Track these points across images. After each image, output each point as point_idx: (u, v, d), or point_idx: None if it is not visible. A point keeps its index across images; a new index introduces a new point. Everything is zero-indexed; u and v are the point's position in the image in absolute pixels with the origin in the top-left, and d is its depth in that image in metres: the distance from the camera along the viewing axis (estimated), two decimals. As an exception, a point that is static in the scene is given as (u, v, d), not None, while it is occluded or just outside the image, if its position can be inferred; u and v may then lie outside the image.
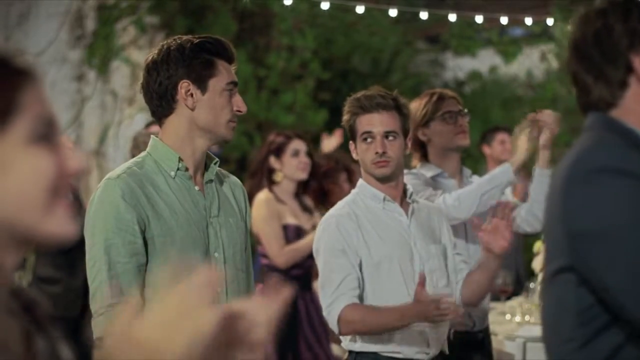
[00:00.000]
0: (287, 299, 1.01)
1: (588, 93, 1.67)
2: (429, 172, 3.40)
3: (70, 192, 0.98)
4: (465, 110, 3.43)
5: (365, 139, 2.87)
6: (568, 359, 1.61)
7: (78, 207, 5.18)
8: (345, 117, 2.94)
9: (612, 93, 1.64)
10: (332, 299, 2.77)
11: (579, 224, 1.56)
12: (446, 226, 3.02)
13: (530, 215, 3.44)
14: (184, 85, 2.32)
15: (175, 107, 2.34)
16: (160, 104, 2.35)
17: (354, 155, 2.95)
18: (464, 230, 3.35)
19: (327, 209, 3.07)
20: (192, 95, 2.32)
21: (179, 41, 2.35)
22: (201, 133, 2.35)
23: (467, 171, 3.52)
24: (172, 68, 2.32)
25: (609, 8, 1.68)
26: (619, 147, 1.59)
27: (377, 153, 2.85)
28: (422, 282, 2.69)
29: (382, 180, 2.90)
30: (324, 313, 2.83)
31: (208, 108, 2.34)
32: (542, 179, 3.35)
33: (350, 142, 2.95)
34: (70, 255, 5.01)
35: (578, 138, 1.67)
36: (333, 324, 2.79)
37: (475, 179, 3.53)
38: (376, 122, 2.86)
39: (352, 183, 5.47)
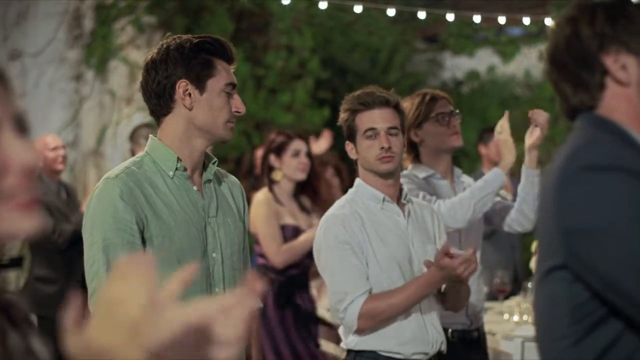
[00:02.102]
0: (263, 294, 0.99)
1: (568, 100, 1.68)
2: (421, 173, 3.39)
3: (28, 188, 0.95)
4: (457, 111, 3.42)
5: (369, 136, 2.83)
6: (561, 357, 1.61)
7: (73, 205, 5.18)
8: (343, 116, 2.89)
9: (591, 96, 1.65)
10: (349, 300, 2.75)
11: (572, 221, 1.56)
12: (438, 224, 3.01)
13: (520, 214, 3.44)
14: (182, 85, 2.31)
15: (173, 107, 2.34)
16: (159, 103, 2.34)
17: (352, 155, 2.91)
18: (458, 237, 3.36)
19: (321, 209, 3.05)
20: (190, 95, 2.32)
21: (179, 41, 2.34)
22: (199, 133, 2.34)
23: (457, 171, 3.52)
24: (170, 67, 2.31)
25: (577, 14, 1.69)
26: (609, 144, 1.60)
27: (382, 148, 2.81)
28: (445, 252, 2.70)
29: (385, 176, 2.86)
30: (337, 314, 2.80)
31: (206, 108, 2.33)
32: (530, 179, 3.35)
33: (347, 142, 2.91)
34: (66, 255, 5.01)
35: (569, 137, 1.68)
36: (350, 322, 2.76)
37: (466, 178, 3.54)
38: (379, 119, 2.83)
39: (341, 176, 5.49)
